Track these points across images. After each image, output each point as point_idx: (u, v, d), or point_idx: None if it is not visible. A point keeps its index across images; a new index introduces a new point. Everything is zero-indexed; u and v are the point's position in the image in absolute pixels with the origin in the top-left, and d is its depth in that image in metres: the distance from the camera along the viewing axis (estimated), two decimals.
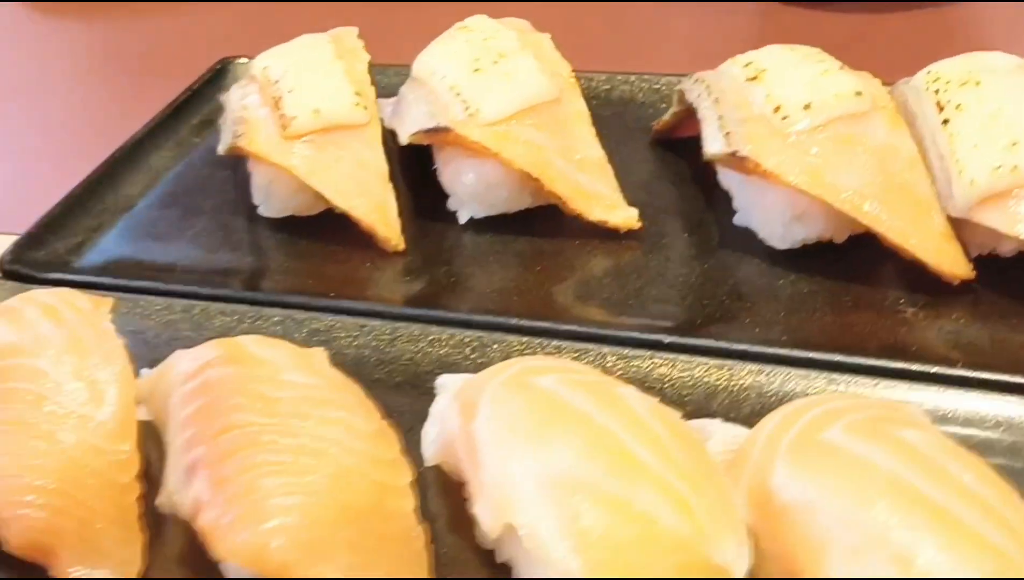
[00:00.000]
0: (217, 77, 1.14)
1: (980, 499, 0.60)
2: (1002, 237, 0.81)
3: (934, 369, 0.76)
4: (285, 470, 0.67)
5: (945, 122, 0.83)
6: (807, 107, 0.85)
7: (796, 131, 0.84)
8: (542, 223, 0.94)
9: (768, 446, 0.65)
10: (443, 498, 0.73)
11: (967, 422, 0.73)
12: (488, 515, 0.65)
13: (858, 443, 0.63)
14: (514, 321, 0.85)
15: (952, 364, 0.77)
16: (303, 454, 0.68)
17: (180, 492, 0.69)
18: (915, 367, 0.77)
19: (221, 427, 0.69)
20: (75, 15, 1.33)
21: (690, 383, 0.78)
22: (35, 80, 1.27)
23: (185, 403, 0.72)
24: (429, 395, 0.77)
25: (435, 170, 0.97)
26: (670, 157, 0.98)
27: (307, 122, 0.94)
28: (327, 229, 0.96)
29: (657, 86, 1.04)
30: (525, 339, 0.82)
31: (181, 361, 0.76)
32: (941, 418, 0.72)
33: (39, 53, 1.30)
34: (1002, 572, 0.58)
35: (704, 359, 0.79)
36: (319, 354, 0.76)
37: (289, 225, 0.98)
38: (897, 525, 0.59)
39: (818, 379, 0.76)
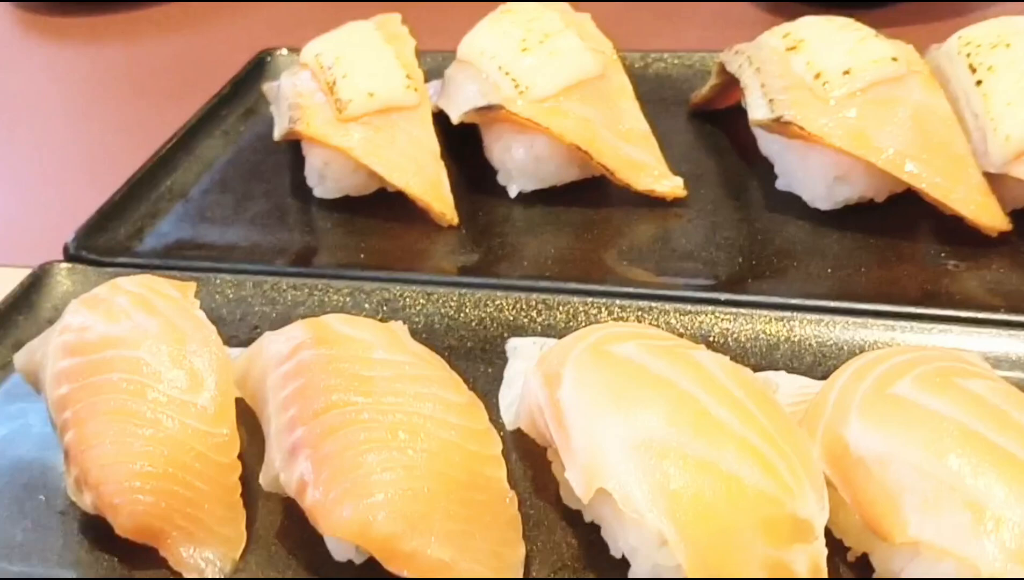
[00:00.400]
0: (257, 68, 1.15)
1: None
2: None
3: (981, 315, 0.79)
4: (384, 446, 0.69)
5: (979, 83, 0.86)
6: (847, 72, 0.87)
7: (837, 96, 0.86)
8: (589, 194, 0.96)
9: (841, 401, 0.68)
10: (526, 462, 0.76)
11: (1015, 362, 0.76)
12: (580, 480, 0.67)
13: (926, 396, 0.65)
14: (573, 285, 0.87)
15: (996, 310, 0.80)
16: (400, 430, 0.69)
17: (284, 471, 0.71)
18: (963, 314, 0.79)
19: (320, 408, 0.71)
20: (108, 35, 1.35)
21: (752, 336, 0.81)
22: (79, 93, 1.29)
23: (282, 386, 0.74)
24: (501, 358, 0.79)
25: (483, 147, 0.99)
26: (708, 128, 1.01)
27: (362, 105, 0.96)
28: (381, 207, 0.98)
29: (690, 63, 1.06)
30: (589, 300, 0.84)
31: (272, 343, 0.77)
32: (997, 362, 0.74)
33: (82, 68, 1.32)
34: None
35: (763, 312, 0.81)
36: (400, 328, 0.78)
37: (344, 205, 1.00)
38: (968, 473, 0.61)
39: (875, 328, 0.79)
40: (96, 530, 0.75)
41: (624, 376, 0.69)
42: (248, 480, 0.75)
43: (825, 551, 0.64)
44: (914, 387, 0.66)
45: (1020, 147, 0.82)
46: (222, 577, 0.72)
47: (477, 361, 0.83)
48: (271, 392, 0.75)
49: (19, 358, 0.84)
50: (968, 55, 0.88)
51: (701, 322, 0.82)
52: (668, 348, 0.71)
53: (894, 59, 0.88)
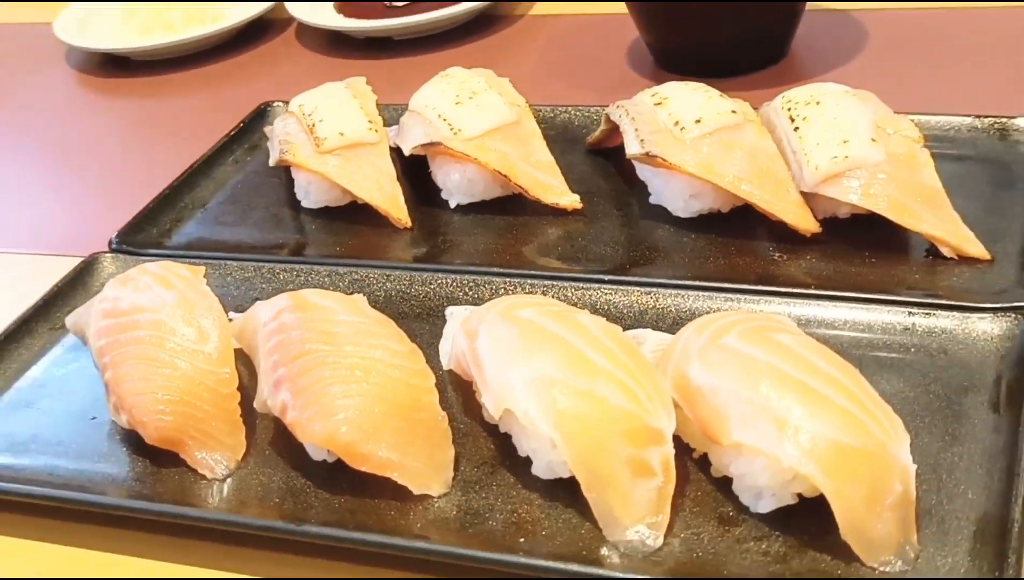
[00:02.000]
0: (259, 115, 1.16)
1: (830, 376, 0.65)
2: (839, 204, 0.86)
3: (796, 290, 0.82)
4: (344, 381, 0.71)
5: (796, 129, 0.88)
6: (698, 121, 0.89)
7: (691, 137, 0.89)
8: (510, 206, 0.97)
9: (685, 348, 0.70)
10: (457, 392, 0.78)
11: (821, 325, 0.79)
12: (492, 403, 0.70)
13: (746, 345, 0.68)
14: (496, 269, 0.89)
15: (807, 286, 0.82)
16: (357, 369, 0.72)
17: (271, 398, 0.73)
18: (784, 290, 0.82)
19: (296, 354, 0.73)
20: (148, 91, 1.38)
21: (627, 305, 0.83)
22: (124, 133, 1.32)
23: (268, 339, 0.76)
24: (441, 321, 0.82)
25: (430, 172, 1.01)
26: (600, 161, 1.02)
27: (335, 141, 0.98)
28: (353, 215, 0.99)
29: (587, 114, 1.07)
30: (507, 280, 0.86)
31: (262, 308, 0.79)
32: (803, 323, 0.78)
33: (128, 115, 1.36)
34: (847, 425, 0.63)
35: (636, 288, 0.83)
36: (361, 299, 0.80)
37: (325, 213, 1.01)
38: (774, 397, 0.64)
39: (718, 299, 0.81)
40: (131, 440, 0.78)
41: (524, 331, 0.71)
42: (246, 405, 0.77)
43: (673, 451, 0.67)
44: (738, 339, 0.69)
45: (825, 174, 0.85)
46: (227, 473, 0.74)
47: (424, 322, 0.85)
48: (261, 343, 0.77)
49: (69, 320, 0.86)
50: (789, 109, 0.90)
51: (590, 295, 0.84)
52: (558, 312, 0.74)
53: (733, 112, 0.90)
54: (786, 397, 0.64)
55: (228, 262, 0.94)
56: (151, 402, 0.74)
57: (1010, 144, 0.94)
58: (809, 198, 0.88)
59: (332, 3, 1.44)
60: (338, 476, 0.71)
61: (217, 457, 0.74)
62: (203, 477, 0.74)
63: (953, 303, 0.78)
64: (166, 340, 0.77)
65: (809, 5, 1.17)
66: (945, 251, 0.84)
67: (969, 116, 0.96)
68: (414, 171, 1.02)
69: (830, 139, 0.86)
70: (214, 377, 0.76)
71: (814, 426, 0.63)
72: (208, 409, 0.75)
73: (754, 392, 0.65)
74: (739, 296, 0.81)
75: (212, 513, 0.72)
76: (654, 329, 0.78)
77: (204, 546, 0.72)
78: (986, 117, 0.96)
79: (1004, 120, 0.95)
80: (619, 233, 0.93)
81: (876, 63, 1.16)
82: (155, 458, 0.76)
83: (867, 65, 1.15)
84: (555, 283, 0.85)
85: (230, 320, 0.82)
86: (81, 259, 0.97)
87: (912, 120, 0.90)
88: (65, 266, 0.96)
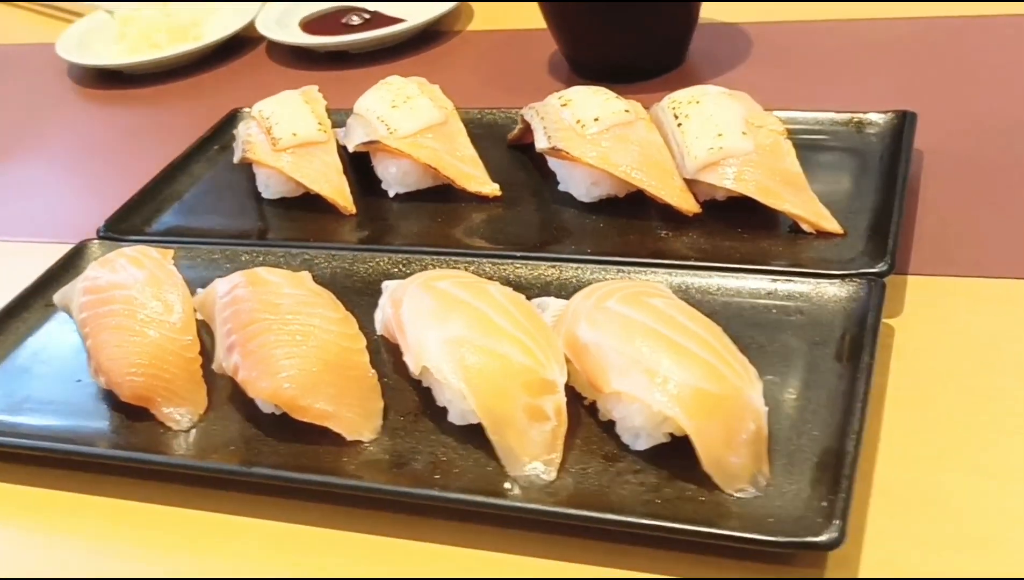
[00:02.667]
0: (231, 119, 1.15)
1: (694, 333, 0.66)
2: (716, 188, 0.87)
3: (680, 262, 0.82)
4: (286, 344, 0.71)
5: (679, 125, 0.89)
6: (596, 119, 0.89)
7: (590, 133, 0.89)
8: (440, 195, 0.97)
9: (575, 312, 0.71)
10: (387, 353, 0.78)
11: (699, 291, 0.79)
12: (412, 361, 0.70)
13: (625, 307, 0.68)
14: (427, 248, 0.89)
15: (690, 259, 0.83)
16: (297, 334, 0.71)
17: (225, 361, 0.73)
18: (669, 262, 0.82)
19: (246, 322, 0.73)
20: (133, 101, 1.37)
21: (535, 277, 0.83)
22: (112, 136, 1.31)
23: (223, 310, 0.76)
24: (379, 293, 0.81)
25: (372, 166, 1.00)
26: (518, 155, 1.02)
27: (289, 141, 0.97)
28: (305, 205, 0.98)
29: (508, 115, 1.06)
30: (436, 257, 0.86)
31: (220, 283, 0.79)
32: (684, 290, 0.79)
33: (116, 122, 1.34)
34: (707, 374, 0.64)
35: (543, 263, 0.84)
36: (305, 275, 0.80)
37: (282, 203, 1.00)
38: (647, 352, 0.65)
39: (611, 271, 0.82)
40: (110, 399, 0.77)
41: (439, 300, 0.71)
42: (208, 367, 0.77)
43: (564, 399, 0.67)
44: (617, 302, 0.69)
45: (702, 163, 0.86)
46: (191, 425, 0.75)
47: (363, 296, 0.84)
48: (217, 314, 0.77)
49: (57, 297, 0.86)
50: (673, 108, 0.91)
51: (504, 270, 0.84)
52: (470, 283, 0.74)
53: (627, 111, 0.91)
54: (656, 351, 0.65)
55: (198, 246, 0.94)
56: (124, 366, 0.74)
57: (864, 136, 0.94)
58: (691, 184, 0.88)
59: (298, 23, 1.44)
60: (284, 426, 0.72)
61: (182, 411, 0.75)
62: (170, 429, 0.75)
63: (809, 271, 0.79)
64: (137, 312, 0.77)
65: (705, 17, 1.18)
66: (805, 227, 0.84)
67: (830, 112, 0.97)
68: (359, 166, 1.01)
69: (707, 133, 0.86)
70: (178, 343, 0.76)
71: (679, 375, 0.63)
72: (174, 371, 0.75)
73: (630, 346, 0.65)
74: (631, 268, 0.82)
75: (178, 459, 0.73)
76: (557, 297, 0.79)
77: (173, 487, 0.72)
78: (844, 112, 0.96)
79: (860, 115, 0.96)
80: (532, 216, 0.93)
81: (759, 68, 1.16)
82: (130, 413, 0.76)
83: (752, 70, 1.16)
84: (475, 260, 0.86)
85: (194, 295, 0.82)
86: (72, 245, 0.96)
87: (779, 116, 0.90)
88: (59, 252, 0.96)
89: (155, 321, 0.77)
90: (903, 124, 0.93)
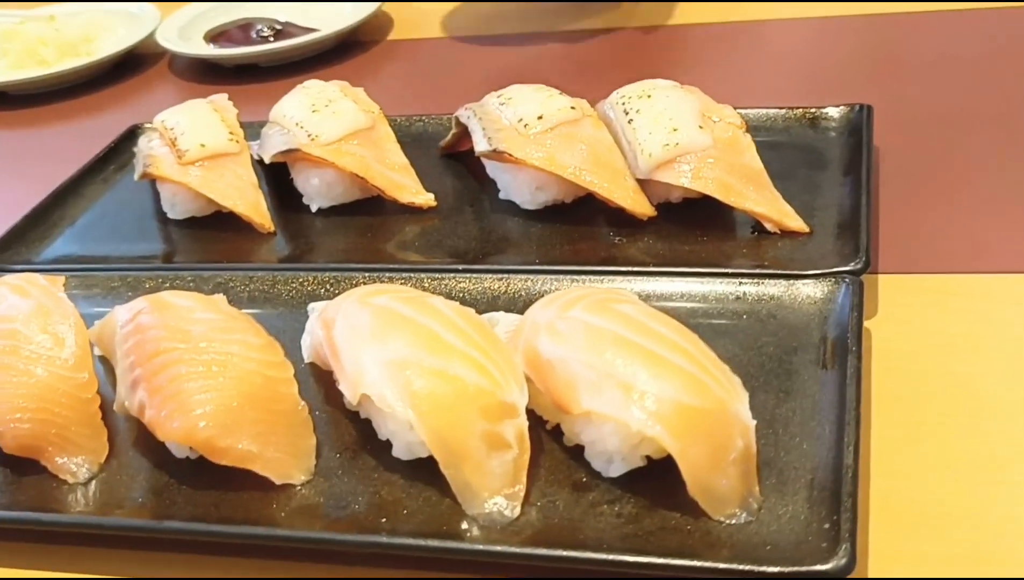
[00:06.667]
0: (128, 136, 1.07)
1: (671, 341, 0.61)
2: (671, 188, 0.82)
3: (636, 269, 0.77)
4: (200, 376, 0.64)
5: (630, 121, 0.84)
6: (540, 117, 0.84)
7: (534, 133, 0.84)
8: (368, 207, 0.91)
9: (534, 324, 0.65)
10: (318, 383, 0.71)
11: (660, 298, 0.74)
12: (349, 389, 0.63)
13: (591, 316, 0.63)
14: (355, 265, 0.82)
15: (645, 265, 0.78)
16: (213, 365, 0.64)
17: (128, 399, 0.65)
18: (624, 269, 0.77)
19: (152, 352, 0.65)
20: (36, 119, 1.29)
21: (481, 292, 0.77)
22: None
23: (125, 340, 0.68)
24: (304, 317, 0.74)
25: (291, 179, 0.93)
26: (453, 163, 0.96)
27: (196, 153, 0.90)
28: (217, 224, 0.91)
29: (440, 122, 1.01)
30: (367, 274, 0.80)
31: (120, 312, 0.71)
32: (644, 298, 0.72)
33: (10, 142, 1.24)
34: (688, 386, 0.58)
35: (489, 276, 0.78)
36: (220, 298, 0.73)
37: (191, 223, 0.93)
38: (620, 364, 0.59)
39: (564, 281, 0.76)
40: None
41: (378, 317, 0.65)
42: (109, 408, 0.69)
43: (527, 423, 0.61)
44: (583, 311, 0.64)
45: (657, 161, 0.81)
46: (90, 476, 0.66)
47: (287, 320, 0.77)
48: (118, 345, 0.69)
49: None
50: (623, 104, 0.86)
51: (445, 284, 0.78)
52: (412, 297, 0.68)
53: (572, 108, 0.86)
54: (631, 363, 0.59)
55: (94, 273, 0.85)
56: (7, 411, 0.66)
57: (820, 131, 0.92)
58: (644, 185, 0.83)
59: (202, 36, 1.36)
60: (201, 471, 0.64)
61: (79, 461, 0.67)
62: (65, 482, 0.66)
63: (778, 272, 0.75)
64: (21, 348, 0.69)
65: (652, 22, 1.16)
66: (769, 226, 0.80)
67: (783, 107, 0.93)
68: (276, 179, 0.94)
69: (661, 128, 0.82)
70: (72, 382, 0.68)
71: (658, 389, 0.58)
72: (67, 414, 0.67)
73: (600, 359, 0.60)
74: (584, 277, 0.77)
75: (76, 517, 0.65)
76: (506, 311, 0.73)
77: (69, 550, 0.64)
78: (797, 108, 0.93)
79: (814, 110, 0.93)
80: (471, 227, 0.87)
81: (707, 69, 1.14)
82: (15, 467, 0.68)
83: (700, 71, 1.13)
84: (412, 275, 0.79)
85: (90, 328, 0.74)
86: None
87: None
88: None
89: (43, 357, 0.69)
90: (860, 117, 0.90)
